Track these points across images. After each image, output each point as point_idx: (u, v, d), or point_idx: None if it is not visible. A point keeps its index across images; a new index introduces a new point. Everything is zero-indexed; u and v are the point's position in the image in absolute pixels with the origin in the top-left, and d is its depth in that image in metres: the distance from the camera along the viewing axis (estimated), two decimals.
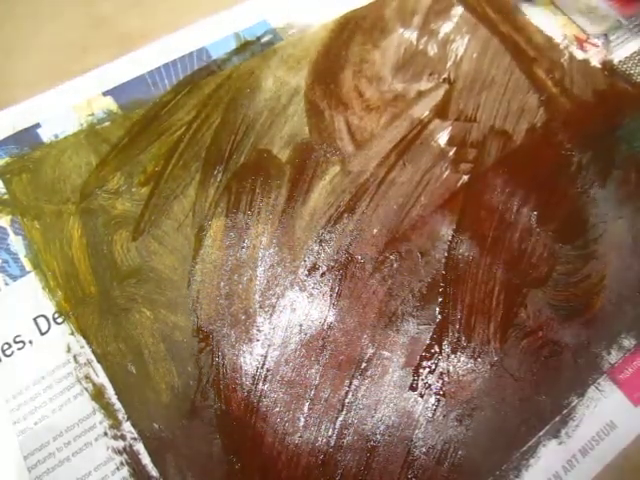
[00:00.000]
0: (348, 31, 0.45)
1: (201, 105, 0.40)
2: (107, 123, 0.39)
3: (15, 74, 0.42)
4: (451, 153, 0.41)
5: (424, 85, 0.43)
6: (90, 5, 0.46)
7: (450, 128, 0.42)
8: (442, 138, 0.41)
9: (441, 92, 0.43)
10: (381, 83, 0.43)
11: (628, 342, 0.36)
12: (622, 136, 0.43)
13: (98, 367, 0.32)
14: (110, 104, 0.40)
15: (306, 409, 0.32)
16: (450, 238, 0.37)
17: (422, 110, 0.42)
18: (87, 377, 0.32)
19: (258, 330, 0.34)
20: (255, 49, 0.44)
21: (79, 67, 0.42)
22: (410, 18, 0.47)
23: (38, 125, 0.39)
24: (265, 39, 0.44)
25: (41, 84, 0.41)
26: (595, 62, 0.46)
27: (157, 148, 0.38)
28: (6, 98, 0.40)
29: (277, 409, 0.32)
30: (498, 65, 0.45)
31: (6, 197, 0.36)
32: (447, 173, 0.40)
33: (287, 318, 0.34)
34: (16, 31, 0.44)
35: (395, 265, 0.36)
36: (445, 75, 0.44)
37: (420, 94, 0.43)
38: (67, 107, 0.40)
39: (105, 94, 0.41)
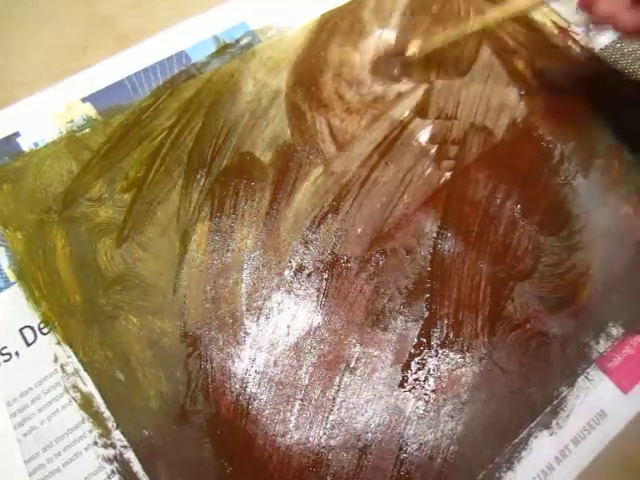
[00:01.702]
0: (327, 32, 0.45)
1: (182, 110, 0.40)
2: (87, 130, 0.39)
3: (15, 74, 0.42)
4: (432, 151, 0.41)
5: (403, 86, 0.43)
6: (90, 5, 0.46)
7: (431, 126, 0.42)
8: (423, 136, 0.41)
9: (420, 92, 0.43)
10: (361, 85, 0.43)
11: (616, 331, 0.36)
12: (602, 127, 0.43)
13: (85, 376, 0.32)
14: (89, 110, 0.40)
15: (296, 410, 0.32)
16: (435, 235, 0.37)
17: (402, 110, 0.42)
18: (75, 386, 0.32)
19: (246, 333, 0.34)
20: (234, 52, 0.43)
21: (79, 67, 0.42)
22: (388, 18, 0.47)
23: (17, 134, 0.39)
24: (244, 41, 0.44)
25: (41, 84, 0.41)
26: (576, 51, 0.47)
27: (139, 154, 0.38)
28: (5, 98, 0.40)
29: (267, 411, 0.32)
30: (478, 60, 0.45)
31: None
32: (429, 171, 0.40)
33: (274, 320, 0.34)
34: (15, 31, 0.44)
35: (381, 263, 0.36)
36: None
37: (400, 95, 0.43)
38: (46, 115, 0.39)
39: (84, 100, 0.40)
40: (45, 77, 0.41)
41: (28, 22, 0.44)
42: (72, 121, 0.39)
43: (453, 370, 0.34)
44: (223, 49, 0.43)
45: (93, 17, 0.45)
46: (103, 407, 0.31)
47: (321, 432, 0.32)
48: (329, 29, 0.45)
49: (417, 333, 0.35)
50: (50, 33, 0.44)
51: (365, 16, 0.47)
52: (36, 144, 0.38)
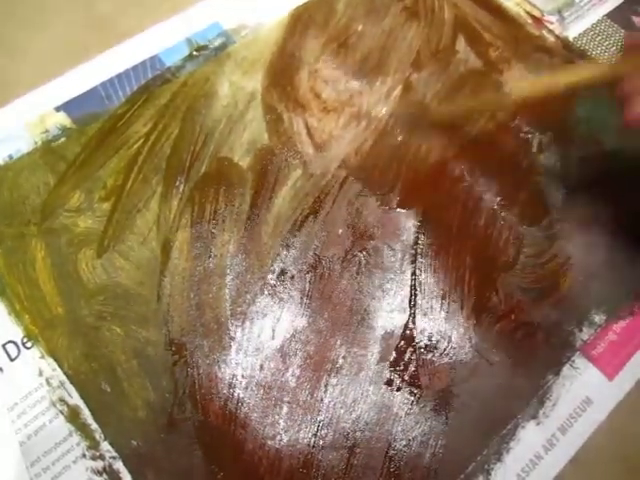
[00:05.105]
0: (301, 27, 0.45)
1: (158, 116, 0.40)
2: (62, 139, 0.38)
3: (15, 74, 0.42)
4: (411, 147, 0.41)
5: (381, 80, 0.43)
6: (90, 5, 0.45)
7: None
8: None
9: (398, 87, 0.43)
10: (337, 82, 0.43)
11: (599, 318, 0.37)
12: (580, 114, 0.43)
13: (71, 388, 0.32)
14: (64, 119, 0.39)
15: (285, 413, 0.32)
16: (416, 230, 0.38)
17: (380, 107, 0.42)
18: (61, 399, 0.31)
19: (231, 338, 0.34)
20: (209, 54, 0.43)
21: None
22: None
23: None
24: (217, 42, 0.43)
25: (42, 84, 0.41)
26: (551, 40, 0.47)
27: (116, 162, 0.38)
28: (7, 98, 0.40)
29: (255, 415, 0.32)
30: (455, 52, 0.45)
31: None
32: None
33: (259, 324, 0.34)
34: (17, 31, 0.43)
35: (363, 262, 0.36)
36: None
37: (377, 91, 0.43)
38: (19, 125, 0.39)
39: (57, 109, 0.40)
40: (46, 77, 0.41)
41: (29, 22, 0.44)
42: (47, 131, 0.39)
43: (439, 365, 0.34)
44: (197, 51, 0.43)
45: (94, 17, 0.45)
46: (90, 419, 0.31)
47: (310, 433, 0.32)
48: (304, 23, 0.45)
49: (402, 330, 0.35)
50: (51, 33, 0.43)
51: (339, 8, 0.46)
52: (11, 156, 0.38)
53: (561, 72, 0.34)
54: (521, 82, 0.37)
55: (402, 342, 0.35)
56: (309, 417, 0.32)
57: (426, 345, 0.35)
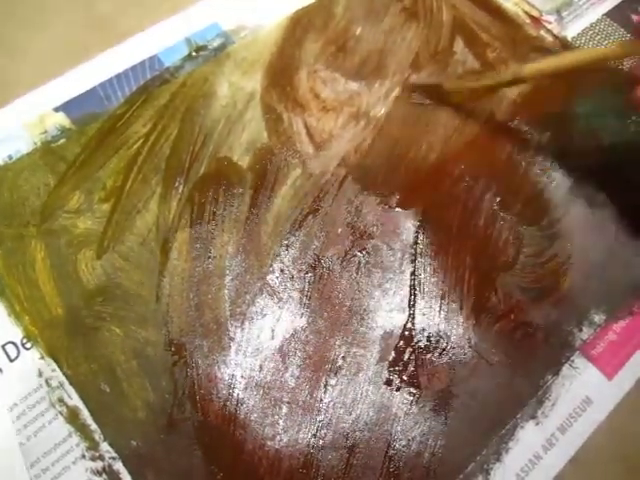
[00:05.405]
0: (300, 30, 0.45)
1: (157, 116, 0.40)
2: (62, 140, 0.38)
3: (16, 74, 0.42)
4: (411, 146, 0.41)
5: (380, 82, 0.43)
6: (91, 5, 0.45)
7: None
8: None
9: (397, 87, 0.43)
10: (336, 83, 0.43)
11: (598, 317, 0.37)
12: (580, 112, 0.43)
13: (71, 389, 0.32)
14: (63, 120, 0.39)
15: (284, 413, 0.32)
16: (416, 230, 0.38)
17: (379, 108, 0.42)
18: (60, 400, 0.31)
19: (230, 338, 0.34)
20: (208, 54, 0.43)
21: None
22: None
23: None
24: (217, 43, 0.43)
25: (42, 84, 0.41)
26: (549, 39, 0.47)
27: (115, 163, 0.38)
28: (6, 98, 0.40)
29: (255, 415, 0.32)
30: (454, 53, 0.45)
31: None
32: None
33: (259, 324, 0.34)
34: (17, 31, 0.43)
35: (363, 262, 0.36)
36: None
37: (377, 92, 0.43)
38: (18, 126, 0.39)
39: (56, 110, 0.40)
40: (46, 77, 0.41)
41: (29, 22, 0.44)
42: (46, 132, 0.39)
43: (438, 365, 0.34)
44: (196, 52, 0.43)
45: (94, 17, 0.45)
46: (90, 420, 0.31)
47: (310, 433, 0.32)
48: (303, 26, 0.45)
49: (402, 330, 0.35)
50: (51, 33, 0.43)
51: (338, 12, 0.46)
52: (10, 157, 0.38)
53: (571, 53, 0.35)
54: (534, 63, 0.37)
55: (401, 342, 0.34)
56: (308, 417, 0.32)
57: (425, 345, 0.35)
